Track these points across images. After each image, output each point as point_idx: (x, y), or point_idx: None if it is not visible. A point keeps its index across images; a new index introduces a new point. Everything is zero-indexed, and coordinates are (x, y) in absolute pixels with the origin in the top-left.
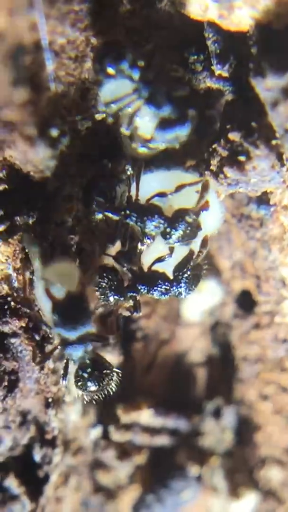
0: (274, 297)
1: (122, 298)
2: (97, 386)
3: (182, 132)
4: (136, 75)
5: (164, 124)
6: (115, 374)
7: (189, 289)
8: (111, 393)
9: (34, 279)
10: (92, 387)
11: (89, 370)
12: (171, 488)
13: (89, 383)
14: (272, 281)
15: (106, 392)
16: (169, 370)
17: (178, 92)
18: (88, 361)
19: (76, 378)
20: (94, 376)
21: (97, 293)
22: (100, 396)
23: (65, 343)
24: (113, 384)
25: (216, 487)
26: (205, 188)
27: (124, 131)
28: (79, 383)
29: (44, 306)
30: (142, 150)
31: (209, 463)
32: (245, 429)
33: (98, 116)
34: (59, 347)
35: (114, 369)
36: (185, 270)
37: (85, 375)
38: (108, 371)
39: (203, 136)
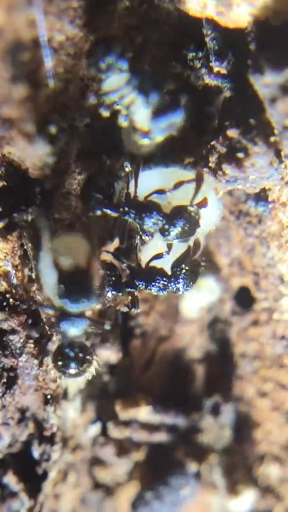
0: (273, 294)
1: (120, 294)
2: (77, 370)
3: (176, 119)
4: (124, 66)
5: (157, 113)
6: (95, 363)
7: (187, 285)
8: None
9: (39, 253)
10: (73, 369)
11: (76, 351)
12: (170, 485)
13: (72, 365)
14: (270, 278)
15: (80, 378)
16: (168, 366)
17: (169, 84)
18: (78, 341)
19: (58, 357)
20: (78, 358)
21: None
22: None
23: (64, 316)
24: (90, 372)
25: (215, 484)
26: (199, 179)
27: (122, 122)
28: (61, 362)
29: (48, 279)
30: (144, 142)
31: (208, 460)
32: (244, 426)
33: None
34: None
35: (96, 359)
36: (183, 265)
37: (71, 355)
38: (90, 358)
39: (201, 133)
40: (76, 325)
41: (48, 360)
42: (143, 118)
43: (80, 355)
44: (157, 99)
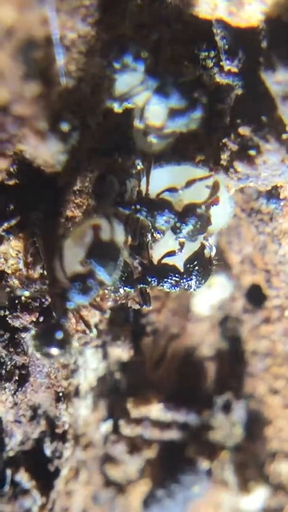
0: (284, 291)
1: (132, 290)
2: (61, 351)
3: (194, 115)
4: (141, 67)
5: (174, 113)
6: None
7: (199, 282)
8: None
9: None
10: (55, 350)
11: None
12: (181, 482)
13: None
14: (282, 276)
15: (60, 358)
16: (179, 364)
17: (185, 78)
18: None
19: (42, 335)
20: (62, 341)
21: None
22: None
23: (82, 284)
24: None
25: (226, 481)
26: (216, 187)
27: (138, 124)
28: (42, 341)
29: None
30: (155, 141)
31: (219, 458)
32: (255, 424)
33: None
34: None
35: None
36: (196, 263)
37: (58, 336)
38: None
39: (213, 130)
40: (85, 297)
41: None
42: (158, 117)
43: (66, 337)
44: (177, 100)
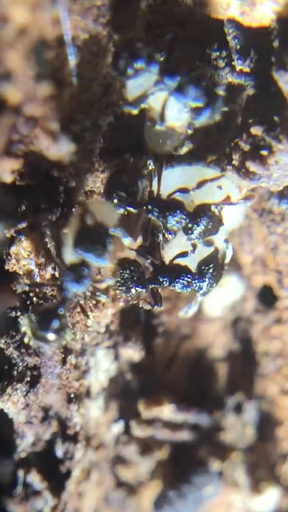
0: None
1: (144, 290)
2: (57, 337)
3: (217, 106)
4: (155, 70)
5: (197, 110)
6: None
7: (211, 284)
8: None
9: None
10: (51, 336)
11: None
12: (193, 483)
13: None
14: None
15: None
16: (190, 365)
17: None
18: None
19: (39, 322)
20: (58, 329)
21: (118, 285)
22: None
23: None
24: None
25: (238, 482)
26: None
27: (159, 127)
28: (39, 326)
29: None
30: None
31: (231, 459)
32: (267, 424)
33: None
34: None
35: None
36: (211, 265)
37: (54, 325)
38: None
39: (225, 130)
40: (81, 286)
41: (71, 358)
42: (178, 117)
43: (63, 321)
44: (196, 95)
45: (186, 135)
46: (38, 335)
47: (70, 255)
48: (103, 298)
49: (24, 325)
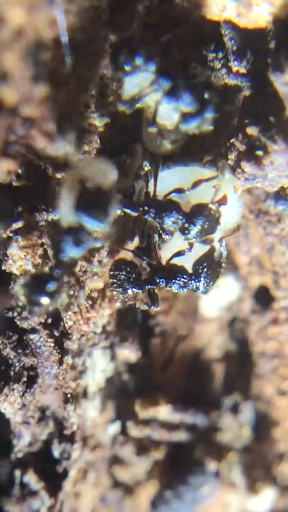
0: None
1: (140, 291)
2: (49, 300)
3: (207, 116)
4: (152, 68)
5: (186, 115)
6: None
7: (208, 284)
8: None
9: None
10: (45, 300)
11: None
12: (190, 483)
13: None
14: None
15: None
16: (187, 365)
17: (196, 80)
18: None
19: (34, 284)
20: (53, 292)
21: (115, 286)
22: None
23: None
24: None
25: (234, 482)
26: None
27: (151, 129)
28: (32, 289)
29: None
30: (167, 143)
31: (227, 459)
32: (263, 425)
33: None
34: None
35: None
36: (205, 264)
37: (50, 288)
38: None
39: (221, 131)
40: (80, 249)
41: (67, 359)
42: (169, 118)
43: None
44: (188, 100)
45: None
46: (32, 298)
47: (69, 217)
48: (96, 268)
49: (18, 291)
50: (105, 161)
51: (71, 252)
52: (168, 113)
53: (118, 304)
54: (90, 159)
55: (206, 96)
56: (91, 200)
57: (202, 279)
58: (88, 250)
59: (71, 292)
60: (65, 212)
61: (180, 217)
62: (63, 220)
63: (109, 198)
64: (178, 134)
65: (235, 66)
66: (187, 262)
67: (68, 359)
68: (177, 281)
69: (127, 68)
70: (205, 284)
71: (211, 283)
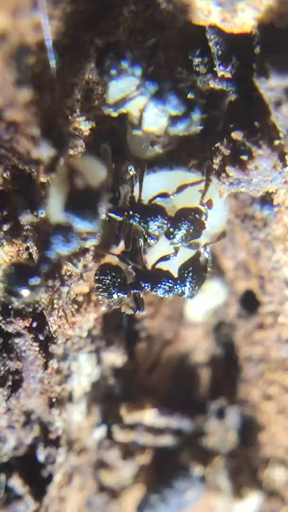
0: (278, 297)
1: (126, 295)
2: (31, 293)
3: (194, 118)
4: (138, 72)
5: (174, 118)
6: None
7: (193, 288)
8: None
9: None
10: (25, 292)
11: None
12: (175, 488)
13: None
14: (275, 282)
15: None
16: (173, 370)
17: (182, 83)
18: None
19: (17, 275)
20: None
21: (100, 291)
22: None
23: (58, 232)
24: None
25: (220, 487)
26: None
27: (136, 131)
28: (15, 280)
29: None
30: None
31: (213, 463)
32: (249, 429)
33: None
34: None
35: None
36: (191, 268)
37: (33, 282)
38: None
39: (206, 135)
40: (70, 246)
41: (53, 363)
42: (156, 122)
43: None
44: (174, 103)
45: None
46: (13, 289)
47: (57, 215)
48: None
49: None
50: (94, 159)
51: (59, 249)
52: (155, 117)
53: (103, 309)
54: (79, 157)
55: (192, 97)
56: (81, 200)
57: (187, 283)
58: (75, 249)
59: (56, 296)
60: (54, 210)
61: (165, 222)
62: (51, 217)
63: (98, 197)
64: (167, 138)
65: (221, 71)
66: (172, 267)
67: (53, 363)
68: (162, 286)
69: (112, 72)
70: (191, 288)
71: (197, 287)
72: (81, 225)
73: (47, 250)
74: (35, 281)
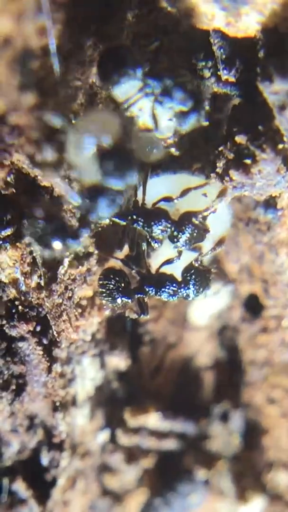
0: (282, 301)
1: (130, 300)
2: (62, 247)
3: (199, 117)
4: (140, 75)
5: (183, 114)
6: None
7: (197, 291)
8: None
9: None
10: (58, 243)
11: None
12: (179, 491)
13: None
14: (279, 285)
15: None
16: (177, 373)
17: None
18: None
19: (60, 227)
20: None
21: (104, 295)
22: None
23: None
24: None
25: (224, 491)
26: (222, 193)
27: (148, 134)
28: (56, 232)
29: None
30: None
31: (217, 467)
32: (253, 433)
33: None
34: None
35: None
36: (193, 271)
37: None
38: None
39: (210, 139)
40: (107, 210)
41: (56, 367)
42: (165, 120)
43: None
44: (182, 98)
45: (171, 143)
46: (44, 239)
47: (92, 176)
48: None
49: (30, 228)
50: (105, 112)
51: (103, 212)
52: (164, 118)
53: (107, 312)
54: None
55: (197, 90)
56: (114, 159)
57: (191, 286)
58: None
59: (60, 300)
60: (90, 171)
61: (169, 225)
62: (85, 178)
63: (128, 156)
64: (178, 138)
65: (224, 75)
66: (176, 271)
67: (57, 367)
68: (166, 290)
69: (114, 78)
70: (195, 291)
71: (201, 289)
72: (118, 185)
73: (89, 213)
74: (73, 242)
